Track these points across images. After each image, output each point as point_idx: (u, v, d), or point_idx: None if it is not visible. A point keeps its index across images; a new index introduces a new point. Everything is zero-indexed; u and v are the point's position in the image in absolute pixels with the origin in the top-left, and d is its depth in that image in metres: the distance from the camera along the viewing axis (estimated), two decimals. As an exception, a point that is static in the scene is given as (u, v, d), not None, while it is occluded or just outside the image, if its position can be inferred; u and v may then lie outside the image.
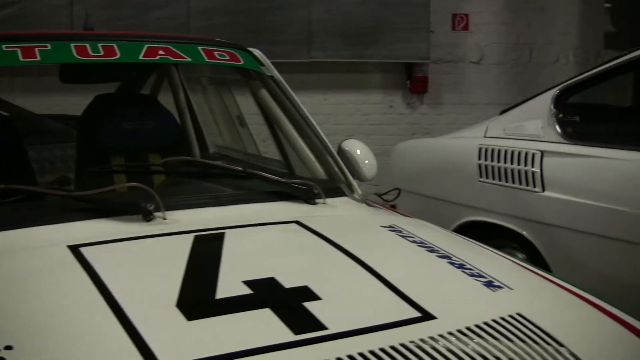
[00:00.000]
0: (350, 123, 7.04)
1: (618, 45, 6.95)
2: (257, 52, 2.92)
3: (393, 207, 4.50)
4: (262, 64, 2.88)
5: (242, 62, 2.78)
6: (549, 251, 3.51)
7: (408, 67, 7.14)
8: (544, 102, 3.66)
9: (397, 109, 7.23)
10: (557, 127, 3.56)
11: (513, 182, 3.60)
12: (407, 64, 7.12)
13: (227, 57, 2.74)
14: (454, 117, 7.11)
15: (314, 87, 6.92)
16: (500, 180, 3.66)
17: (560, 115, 3.59)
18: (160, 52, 2.62)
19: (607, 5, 7.63)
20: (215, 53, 2.73)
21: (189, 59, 2.70)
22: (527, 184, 3.53)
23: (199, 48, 2.72)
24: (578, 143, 3.47)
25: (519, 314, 1.62)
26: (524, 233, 3.59)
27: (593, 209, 3.25)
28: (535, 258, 3.57)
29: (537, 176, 3.48)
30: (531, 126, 3.67)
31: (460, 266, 1.87)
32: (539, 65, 7.40)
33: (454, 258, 1.92)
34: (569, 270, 3.40)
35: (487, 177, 3.73)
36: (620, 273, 3.19)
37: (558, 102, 3.61)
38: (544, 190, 3.46)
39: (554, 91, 3.65)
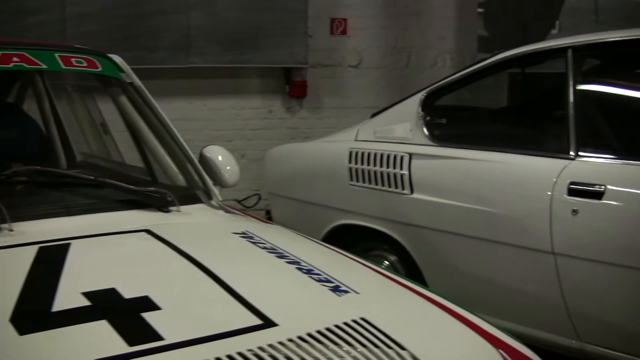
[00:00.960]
0: (230, 128, 6.98)
1: (491, 49, 7.15)
2: (117, 58, 2.85)
3: (268, 213, 4.51)
4: (121, 71, 2.82)
5: (100, 69, 2.71)
6: (419, 253, 3.55)
7: (287, 72, 7.14)
8: (412, 105, 3.70)
9: (277, 113, 7.22)
10: (425, 130, 3.61)
11: (383, 184, 3.63)
12: (286, 69, 7.12)
13: (85, 64, 2.67)
14: (334, 121, 7.14)
15: (193, 93, 6.84)
16: (370, 183, 3.69)
17: (428, 117, 3.64)
18: (15, 59, 2.53)
19: (480, 10, 7.84)
20: (73, 60, 2.66)
21: (45, 66, 2.63)
22: (396, 187, 3.57)
23: (56, 55, 2.64)
24: (444, 145, 3.53)
25: (362, 319, 1.61)
26: (394, 235, 3.62)
27: (460, 210, 3.31)
28: (406, 260, 3.62)
29: (406, 178, 3.52)
30: (400, 129, 3.71)
31: (309, 272, 1.85)
32: (417, 69, 7.52)
33: (303, 264, 1.90)
34: (439, 271, 3.46)
35: (357, 181, 3.75)
36: (487, 273, 3.25)
37: (425, 104, 3.66)
38: (412, 192, 3.51)
39: (422, 94, 3.70)
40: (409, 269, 3.56)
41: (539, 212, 2.98)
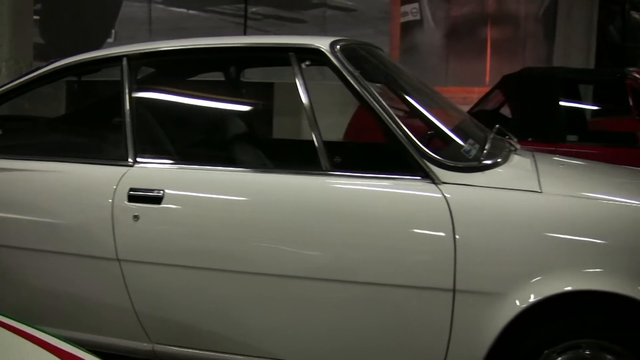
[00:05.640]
0: None
1: (48, 57, 6.98)
2: None
3: None
4: None
5: None
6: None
7: None
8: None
9: None
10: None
11: None
12: None
13: None
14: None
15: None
16: None
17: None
18: None
19: (36, 17, 7.61)
20: None
21: None
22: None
23: None
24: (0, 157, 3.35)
25: None
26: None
27: (22, 223, 3.16)
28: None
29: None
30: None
31: None
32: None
33: None
34: (5, 289, 3.27)
35: None
36: (56, 285, 3.15)
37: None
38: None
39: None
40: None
41: (101, 220, 2.98)
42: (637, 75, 5.41)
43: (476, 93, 6.44)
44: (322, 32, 7.40)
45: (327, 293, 2.77)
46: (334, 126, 5.90)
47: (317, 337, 2.84)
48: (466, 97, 7.04)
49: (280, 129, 6.50)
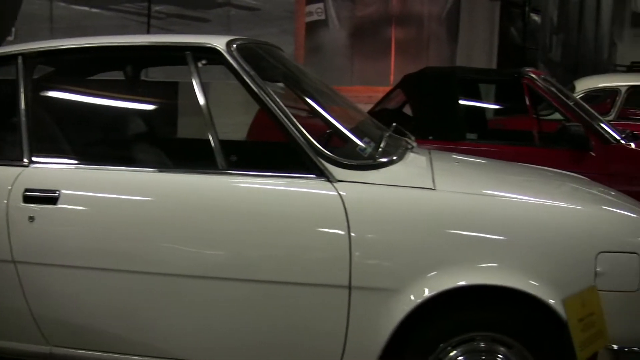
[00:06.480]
0: None
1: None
2: None
3: None
4: None
5: None
6: None
7: None
8: None
9: None
10: None
11: None
12: None
13: None
14: None
15: None
16: None
17: None
18: None
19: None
20: None
21: None
22: None
23: None
24: None
25: None
26: None
27: None
28: None
29: None
30: None
31: None
32: None
33: None
34: None
35: None
36: None
37: None
38: None
39: None
40: None
41: (-5, 222, 2.93)
42: (533, 76, 5.59)
43: (381, 92, 6.53)
44: (226, 31, 7.39)
45: (227, 292, 2.79)
46: (239, 125, 5.91)
47: (217, 336, 2.85)
48: (371, 96, 7.13)
49: (186, 129, 6.46)
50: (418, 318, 2.65)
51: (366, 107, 5.95)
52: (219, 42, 2.96)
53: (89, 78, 3.88)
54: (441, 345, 2.71)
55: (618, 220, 2.78)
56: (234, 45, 2.96)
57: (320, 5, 9.33)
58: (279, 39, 7.46)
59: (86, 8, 7.49)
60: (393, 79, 9.21)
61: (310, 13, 9.17)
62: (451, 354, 2.71)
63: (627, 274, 2.60)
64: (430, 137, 5.14)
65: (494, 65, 10.00)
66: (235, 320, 2.81)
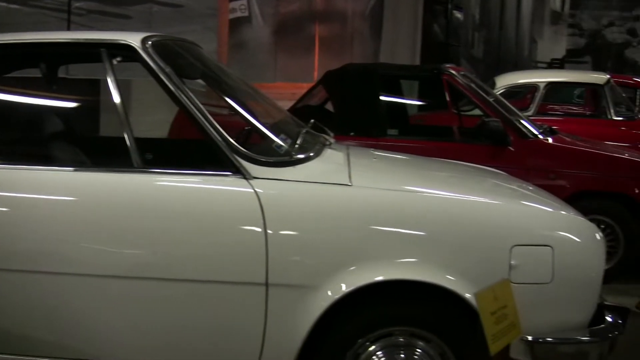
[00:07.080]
0: None
1: None
2: None
3: None
4: None
5: None
6: None
7: None
8: None
9: None
10: None
11: None
12: None
13: None
14: None
15: None
16: None
17: None
18: None
19: None
20: None
21: None
22: None
23: None
24: None
25: None
26: None
27: None
28: None
29: None
30: None
31: None
32: None
33: None
34: None
35: None
36: None
37: None
38: None
39: None
40: None
41: None
42: (453, 72, 5.68)
43: (304, 89, 6.53)
44: (148, 28, 7.29)
45: (149, 291, 2.76)
46: (161, 123, 5.86)
47: (140, 336, 2.82)
48: (295, 92, 7.13)
49: (108, 127, 6.37)
50: (336, 314, 2.68)
51: (289, 104, 5.97)
52: (133, 39, 2.93)
53: (4, 76, 3.79)
54: (359, 340, 2.74)
55: (532, 214, 2.85)
56: (149, 42, 2.94)
57: (244, 2, 9.28)
58: (202, 36, 7.41)
59: (4, 4, 7.31)
60: (317, 75, 9.22)
61: (233, 10, 9.12)
62: (370, 349, 2.75)
63: (541, 267, 2.67)
64: (352, 134, 5.19)
65: (417, 62, 10.12)
66: (156, 320, 2.78)
